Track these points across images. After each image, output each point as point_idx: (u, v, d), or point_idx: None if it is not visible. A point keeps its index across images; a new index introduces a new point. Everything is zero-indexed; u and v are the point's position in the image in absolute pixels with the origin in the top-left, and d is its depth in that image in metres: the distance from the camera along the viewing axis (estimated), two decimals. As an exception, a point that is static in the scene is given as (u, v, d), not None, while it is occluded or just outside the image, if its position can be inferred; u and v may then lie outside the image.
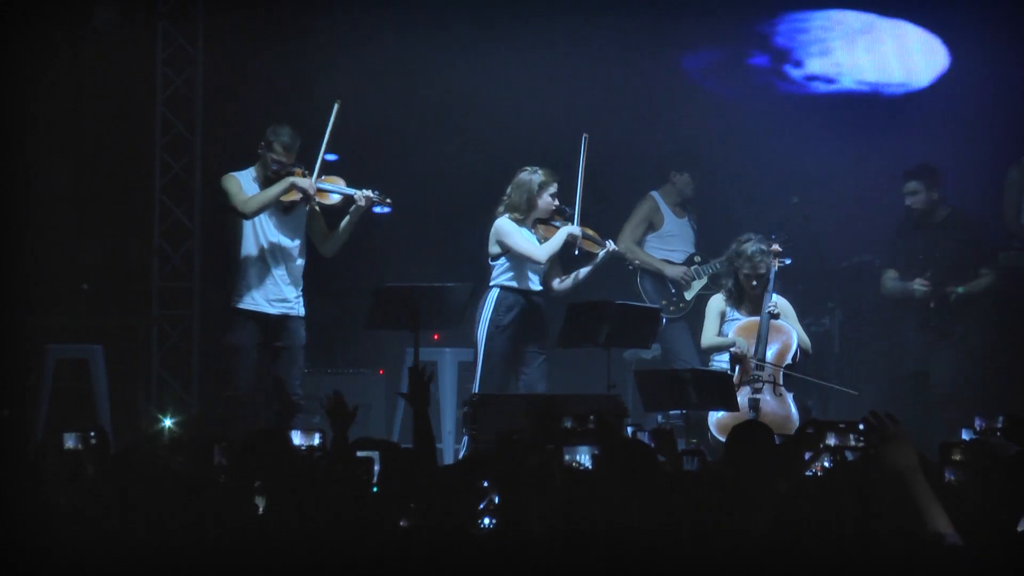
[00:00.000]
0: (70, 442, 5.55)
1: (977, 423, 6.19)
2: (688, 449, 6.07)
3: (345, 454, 5.48)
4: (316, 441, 5.89)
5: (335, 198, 9.21)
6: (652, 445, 6.01)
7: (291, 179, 9.09)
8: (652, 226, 10.66)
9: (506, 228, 9.36)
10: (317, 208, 9.25)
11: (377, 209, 9.27)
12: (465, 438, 8.78)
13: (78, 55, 11.14)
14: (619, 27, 11.52)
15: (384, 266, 11.06)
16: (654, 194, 10.71)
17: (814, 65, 12.08)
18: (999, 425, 5.88)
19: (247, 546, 4.16)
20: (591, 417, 5.91)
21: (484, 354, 9.28)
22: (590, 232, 9.46)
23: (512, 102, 11.35)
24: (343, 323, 11.25)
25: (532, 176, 9.39)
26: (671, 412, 9.28)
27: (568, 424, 5.80)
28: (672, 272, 10.47)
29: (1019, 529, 3.90)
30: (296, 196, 9.13)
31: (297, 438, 5.66)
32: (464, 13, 11.37)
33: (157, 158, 11.24)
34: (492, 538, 4.35)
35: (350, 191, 9.19)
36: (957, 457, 4.96)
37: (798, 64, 12.08)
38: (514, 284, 9.33)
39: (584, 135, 9.44)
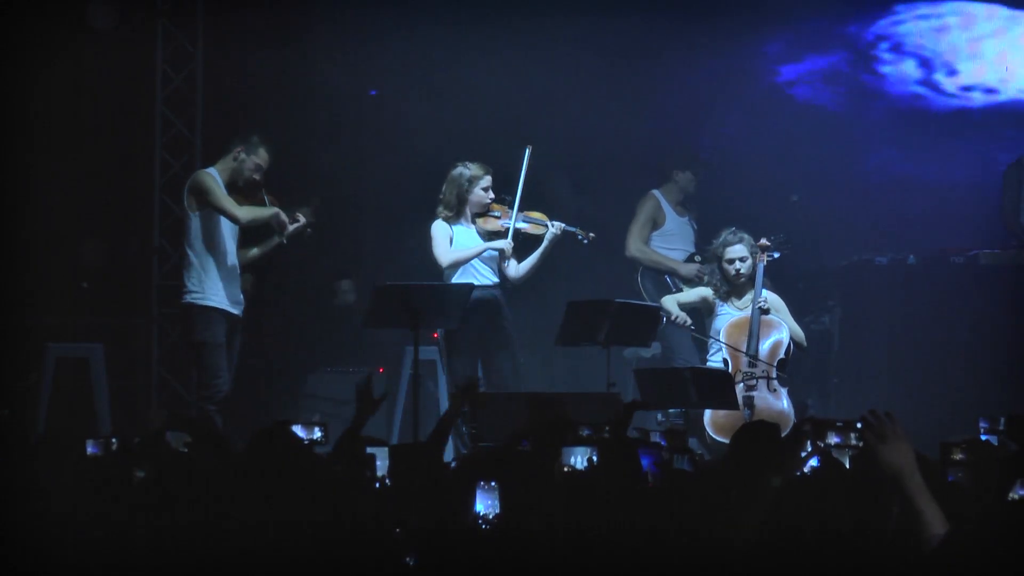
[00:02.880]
0: (91, 448, 5.53)
1: (981, 423, 6.18)
2: (684, 446, 6.07)
3: (351, 445, 5.48)
4: (317, 435, 5.88)
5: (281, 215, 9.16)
6: (664, 444, 6.03)
7: (277, 209, 9.00)
8: (655, 224, 10.66)
9: (432, 232, 9.37)
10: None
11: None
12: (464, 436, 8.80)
13: (78, 55, 11.13)
14: (624, 25, 11.53)
15: (384, 264, 11.07)
16: (656, 192, 10.71)
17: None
18: (1001, 427, 5.87)
19: (253, 545, 4.16)
20: (606, 428, 5.91)
21: (446, 353, 9.32)
22: (534, 215, 9.44)
23: (515, 100, 11.35)
24: (343, 322, 11.27)
25: (462, 171, 9.40)
26: (671, 411, 9.28)
27: (585, 433, 5.80)
28: (687, 271, 10.47)
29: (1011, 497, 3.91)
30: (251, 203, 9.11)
31: (298, 432, 5.64)
32: (467, 11, 11.36)
33: (157, 157, 11.25)
34: (492, 538, 4.35)
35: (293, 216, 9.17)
36: (958, 456, 4.94)
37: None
38: (464, 281, 9.31)
39: (528, 147, 9.38)
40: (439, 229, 9.35)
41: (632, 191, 10.84)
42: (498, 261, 9.37)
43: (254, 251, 9.25)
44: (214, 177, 9.03)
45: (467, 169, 9.38)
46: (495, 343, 9.30)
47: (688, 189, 10.71)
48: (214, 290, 9.02)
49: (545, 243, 9.35)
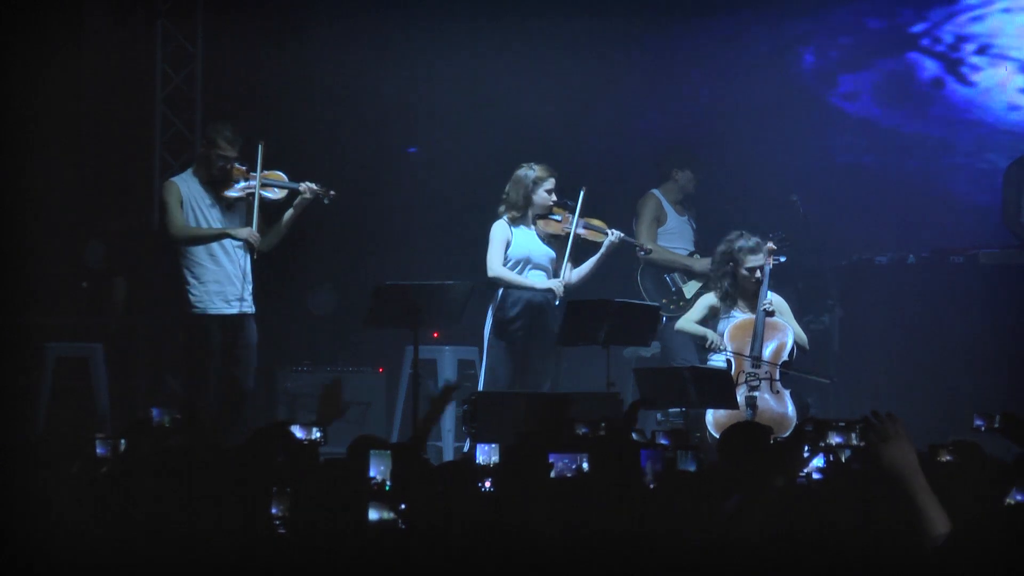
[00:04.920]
0: (100, 450, 5.52)
1: (977, 422, 6.15)
2: (688, 445, 6.05)
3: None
4: (317, 436, 5.88)
5: (278, 193, 9.09)
6: (668, 444, 6.01)
7: (229, 230, 8.98)
8: (657, 223, 10.66)
9: (492, 233, 9.40)
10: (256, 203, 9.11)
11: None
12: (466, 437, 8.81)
13: (78, 55, 11.14)
14: (617, 20, 11.54)
15: (384, 264, 11.06)
16: (656, 192, 10.69)
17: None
18: (996, 425, 5.85)
19: (253, 547, 4.16)
20: (602, 424, 5.90)
21: (488, 351, 9.31)
22: (595, 223, 9.47)
23: (515, 98, 11.34)
24: (343, 321, 11.27)
25: (528, 172, 9.42)
26: (671, 410, 9.28)
27: (582, 431, 5.79)
28: (700, 267, 10.45)
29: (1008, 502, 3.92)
30: (239, 193, 9.06)
31: (297, 433, 5.64)
32: (465, 10, 11.37)
33: (157, 156, 11.25)
34: (492, 536, 4.35)
35: (293, 184, 9.10)
36: (945, 458, 4.93)
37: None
38: (521, 280, 9.34)
39: (583, 188, 9.38)
40: (498, 233, 9.39)
41: (633, 190, 10.83)
42: (553, 264, 9.40)
43: (274, 229, 9.17)
44: (176, 190, 9.02)
45: (532, 170, 9.41)
46: (539, 346, 9.32)
47: (688, 188, 10.69)
48: (198, 296, 9.02)
49: (602, 251, 9.40)
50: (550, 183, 9.41)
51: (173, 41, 11.26)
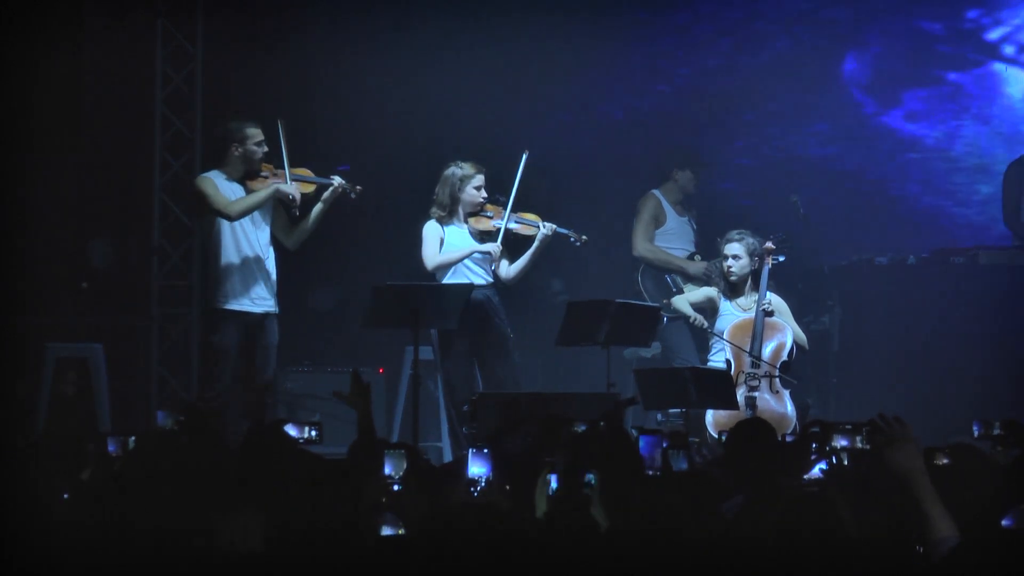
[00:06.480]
0: (111, 447, 5.52)
1: (975, 427, 6.13)
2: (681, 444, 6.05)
3: (371, 437, 5.54)
4: (312, 435, 5.88)
5: (310, 188, 9.15)
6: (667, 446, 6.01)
7: (275, 185, 9.02)
8: (656, 223, 10.65)
9: (423, 233, 9.37)
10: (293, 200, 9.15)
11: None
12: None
13: (77, 54, 11.13)
14: (611, 19, 11.57)
15: (384, 264, 11.06)
16: (656, 192, 10.69)
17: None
18: (995, 431, 5.84)
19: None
20: (602, 424, 5.90)
21: (440, 353, 9.33)
22: (527, 217, 9.41)
23: (516, 100, 11.34)
24: (343, 321, 11.26)
25: (455, 171, 9.40)
26: (671, 411, 9.28)
27: (581, 429, 5.78)
28: (694, 269, 10.45)
29: (1004, 524, 3.90)
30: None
31: (292, 431, 5.64)
32: (467, 10, 11.37)
33: (157, 156, 11.24)
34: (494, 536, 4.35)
35: (321, 179, 9.14)
36: (942, 461, 4.91)
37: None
38: (456, 281, 9.30)
39: (525, 152, 9.35)
40: (429, 231, 9.36)
41: (633, 191, 10.83)
42: (490, 262, 9.36)
43: (302, 225, 9.22)
44: (212, 181, 9.05)
45: (459, 168, 9.38)
46: (489, 344, 9.30)
47: (688, 188, 10.69)
48: (222, 293, 9.05)
49: (536, 244, 9.33)
50: (478, 180, 9.37)
51: (173, 41, 11.26)
